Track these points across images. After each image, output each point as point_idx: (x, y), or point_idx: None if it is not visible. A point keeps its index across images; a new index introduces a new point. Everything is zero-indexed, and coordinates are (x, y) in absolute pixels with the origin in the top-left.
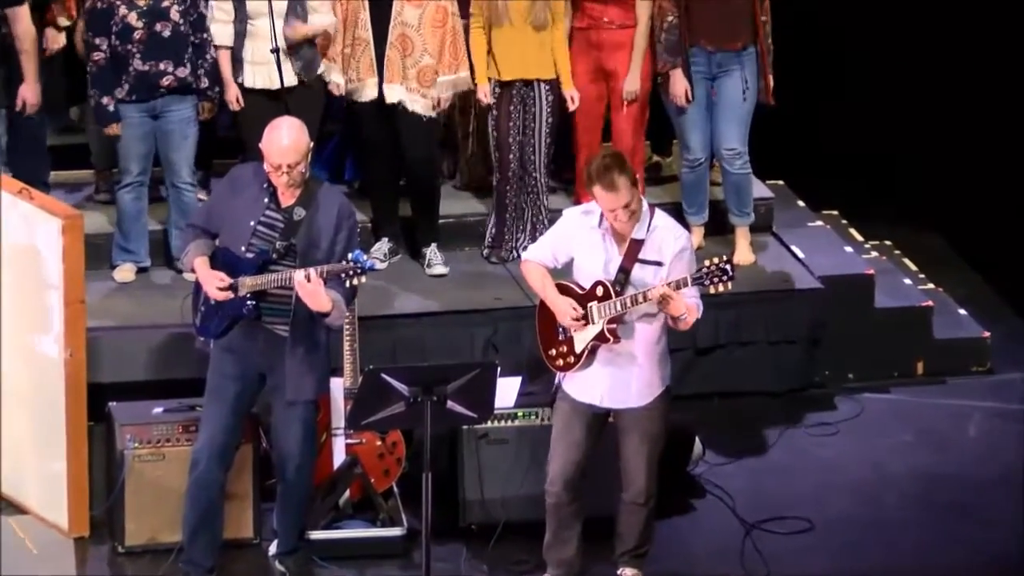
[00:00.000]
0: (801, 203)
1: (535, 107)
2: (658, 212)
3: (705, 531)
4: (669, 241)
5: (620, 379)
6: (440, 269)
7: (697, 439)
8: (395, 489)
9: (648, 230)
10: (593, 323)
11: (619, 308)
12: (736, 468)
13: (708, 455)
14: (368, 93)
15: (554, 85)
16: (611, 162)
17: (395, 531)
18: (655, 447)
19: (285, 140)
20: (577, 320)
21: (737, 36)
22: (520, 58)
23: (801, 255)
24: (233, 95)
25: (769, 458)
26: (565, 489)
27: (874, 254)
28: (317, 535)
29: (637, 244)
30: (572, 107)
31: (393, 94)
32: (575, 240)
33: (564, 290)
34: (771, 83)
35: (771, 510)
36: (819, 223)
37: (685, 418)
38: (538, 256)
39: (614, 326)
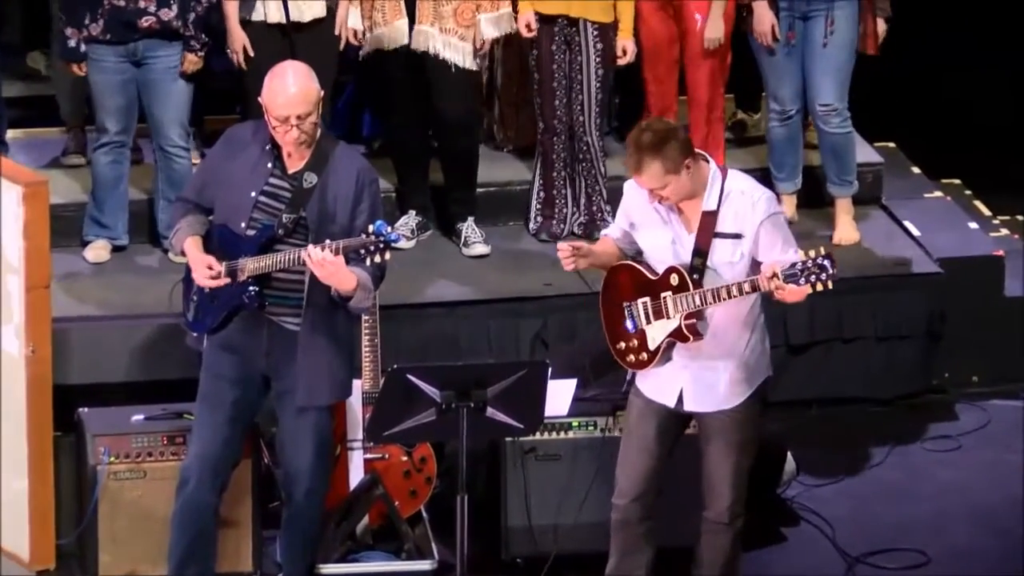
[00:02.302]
0: (916, 170)
1: (581, 55)
2: (731, 173)
3: (799, 565)
4: (746, 207)
5: (703, 379)
6: (479, 248)
7: (789, 455)
8: (424, 514)
9: (720, 198)
10: (668, 317)
11: (698, 302)
12: (836, 490)
13: (803, 474)
14: (396, 39)
15: (605, 31)
16: (646, 139)
17: (423, 565)
18: (744, 456)
19: (292, 87)
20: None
21: None
22: None
23: (916, 233)
24: (239, 45)
25: (876, 478)
26: (635, 503)
27: (1004, 231)
28: (329, 569)
29: (710, 217)
30: (623, 61)
31: (425, 39)
32: (635, 214)
33: (633, 274)
34: (878, 28)
35: (878, 541)
36: (938, 194)
37: (775, 429)
38: (612, 231)
39: (693, 321)
